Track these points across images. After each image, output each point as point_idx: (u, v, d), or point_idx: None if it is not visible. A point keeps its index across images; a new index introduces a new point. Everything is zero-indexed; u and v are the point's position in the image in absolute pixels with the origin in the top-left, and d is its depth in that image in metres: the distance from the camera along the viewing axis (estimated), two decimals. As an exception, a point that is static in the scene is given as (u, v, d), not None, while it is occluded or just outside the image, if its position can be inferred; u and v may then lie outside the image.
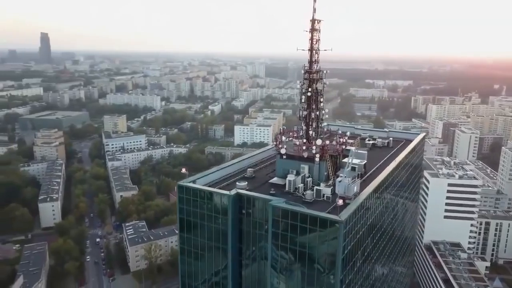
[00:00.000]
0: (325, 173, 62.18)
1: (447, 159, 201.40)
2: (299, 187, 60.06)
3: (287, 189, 61.08)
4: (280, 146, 63.36)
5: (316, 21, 61.50)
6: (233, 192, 55.75)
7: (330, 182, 61.61)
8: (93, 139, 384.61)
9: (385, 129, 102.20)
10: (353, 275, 55.26)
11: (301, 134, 64.58)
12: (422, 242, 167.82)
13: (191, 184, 58.67)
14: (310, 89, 63.68)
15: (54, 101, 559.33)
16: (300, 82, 65.54)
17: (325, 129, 71.04)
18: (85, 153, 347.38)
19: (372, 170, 69.52)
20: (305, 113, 64.95)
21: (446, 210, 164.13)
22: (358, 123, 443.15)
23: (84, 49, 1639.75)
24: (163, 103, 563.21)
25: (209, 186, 60.12)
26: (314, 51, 63.34)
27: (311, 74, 64.07)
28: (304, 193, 58.75)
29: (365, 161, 69.84)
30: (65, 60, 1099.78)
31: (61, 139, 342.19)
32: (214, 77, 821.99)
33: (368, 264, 62.98)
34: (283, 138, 64.71)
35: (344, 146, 66.33)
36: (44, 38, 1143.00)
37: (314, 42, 62.78)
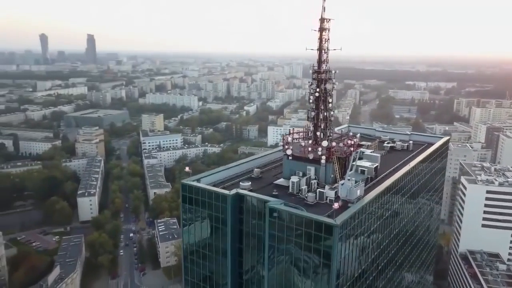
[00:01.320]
0: (332, 176, 60.75)
1: (487, 165, 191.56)
2: (302, 189, 59.12)
3: (290, 190, 60.34)
4: (286, 147, 62.76)
5: (325, 20, 60.38)
6: (232, 192, 55.66)
7: (336, 185, 60.54)
8: (132, 137, 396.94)
9: (407, 132, 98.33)
10: (353, 281, 53.70)
11: (309, 135, 63.52)
12: (457, 251, 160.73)
13: (193, 183, 59.12)
14: (318, 90, 62.45)
15: (97, 100, 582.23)
16: (309, 82, 64.44)
17: (341, 131, 69.37)
18: (124, 150, 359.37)
19: (384, 174, 67.35)
20: (313, 114, 63.87)
21: (484, 219, 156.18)
22: (396, 125, 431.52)
23: (128, 50, 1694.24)
24: (200, 103, 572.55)
25: (213, 186, 60.31)
26: (323, 51, 62.09)
27: (320, 74, 62.80)
28: (306, 195, 57.82)
29: (377, 164, 67.77)
30: (109, 60, 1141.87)
31: (101, 136, 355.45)
32: (251, 78, 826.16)
33: (374, 271, 60.92)
34: (289, 139, 64.01)
35: (353, 148, 64.68)
36: (90, 40, 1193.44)
37: (323, 42, 61.54)
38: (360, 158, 69.19)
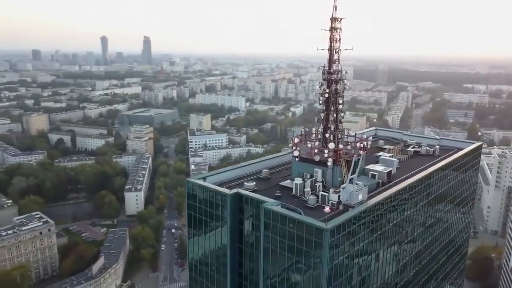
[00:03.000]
0: (339, 179, 58.97)
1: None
2: (305, 191, 58.07)
3: (293, 192, 59.42)
4: (294, 148, 61.91)
5: (336, 20, 59.03)
6: (232, 191, 55.58)
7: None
8: (180, 135, 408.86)
9: (437, 137, 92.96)
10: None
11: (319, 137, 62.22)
12: (509, 265, 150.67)
13: (197, 181, 59.79)
14: (328, 90, 60.99)
15: (150, 99, 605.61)
16: (319, 83, 63.15)
17: (357, 134, 67.06)
18: (172, 148, 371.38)
19: (399, 179, 64.16)
20: (322, 115, 62.49)
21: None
22: (450, 130, 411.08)
23: (181, 51, 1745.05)
24: (248, 104, 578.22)
25: (219, 185, 60.60)
26: (333, 51, 60.59)
27: (330, 75, 61.28)
28: (308, 197, 56.66)
29: (390, 169, 64.97)
30: (163, 61, 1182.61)
31: (151, 134, 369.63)
32: (300, 79, 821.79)
33: (376, 282, 58.42)
34: (296, 140, 63.07)
35: (363, 151, 62.42)
36: (147, 41, 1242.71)
37: (335, 41, 60.08)
38: (376, 162, 66.74)
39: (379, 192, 58.34)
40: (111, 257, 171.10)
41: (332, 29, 59.61)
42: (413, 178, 63.72)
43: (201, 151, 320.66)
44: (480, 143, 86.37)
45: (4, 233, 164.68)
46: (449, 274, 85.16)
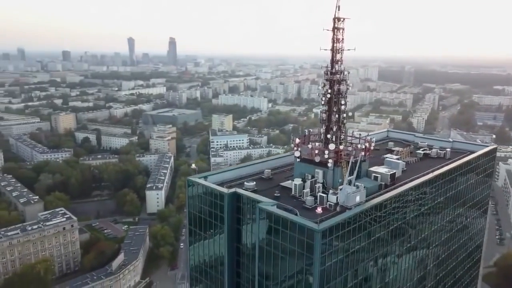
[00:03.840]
0: (340, 180, 58.13)
1: None
2: (304, 192, 57.60)
3: (293, 193, 59.05)
4: (295, 148, 61.56)
5: (338, 20, 58.37)
6: (230, 190, 55.56)
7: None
8: (202, 135, 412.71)
9: (450, 139, 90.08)
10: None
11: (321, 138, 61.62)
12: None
13: (197, 179, 60.06)
14: (330, 91, 60.38)
15: (174, 99, 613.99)
16: (322, 83, 62.57)
17: (359, 134, 65.97)
18: (194, 148, 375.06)
19: (403, 181, 62.53)
20: (324, 116, 61.88)
21: None
22: (477, 133, 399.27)
23: (206, 52, 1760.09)
24: (270, 104, 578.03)
25: (220, 184, 60.69)
26: (336, 51, 59.93)
27: (332, 75, 60.67)
28: (305, 198, 56.07)
29: (394, 171, 63.57)
30: (188, 62, 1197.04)
31: (174, 134, 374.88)
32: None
33: (375, 285, 57.13)
34: (297, 140, 62.61)
35: (365, 153, 61.23)
36: (172, 43, 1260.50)
37: (337, 41, 59.39)
38: (382, 164, 65.57)
39: (380, 195, 57.36)
40: (131, 254, 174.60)
41: (335, 29, 59.08)
42: (416, 181, 62.29)
43: (222, 151, 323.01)
44: (494, 146, 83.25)
45: (29, 228, 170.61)
46: (459, 281, 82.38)
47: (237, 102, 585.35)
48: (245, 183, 60.16)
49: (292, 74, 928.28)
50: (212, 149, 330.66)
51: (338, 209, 52.84)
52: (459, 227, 77.86)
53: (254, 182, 60.49)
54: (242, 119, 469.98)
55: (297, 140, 62.67)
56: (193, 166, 68.09)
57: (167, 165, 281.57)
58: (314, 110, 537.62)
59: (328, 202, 54.16)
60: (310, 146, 60.37)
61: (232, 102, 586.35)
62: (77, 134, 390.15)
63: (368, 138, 64.41)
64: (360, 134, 67.04)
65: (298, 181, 58.92)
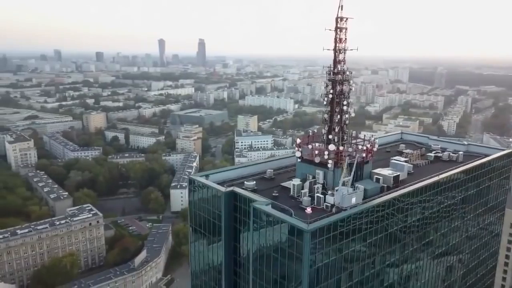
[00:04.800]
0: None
1: None
2: (302, 192, 57.28)
3: (291, 193, 58.81)
4: (297, 149, 61.26)
5: (341, 19, 57.82)
6: (228, 189, 55.74)
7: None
8: (227, 136, 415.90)
9: (464, 142, 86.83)
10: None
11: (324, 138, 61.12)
12: None
13: (198, 178, 60.60)
14: (332, 91, 59.76)
15: (201, 100, 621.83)
16: (324, 83, 62.07)
17: (364, 136, 64.94)
18: (219, 148, 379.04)
19: (407, 184, 60.89)
20: (326, 116, 61.25)
21: None
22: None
23: (235, 53, 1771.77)
24: (296, 105, 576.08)
25: (221, 183, 60.93)
26: (338, 51, 59.30)
27: (335, 75, 60.05)
28: (302, 199, 55.72)
29: (398, 173, 62.13)
30: (217, 63, 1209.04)
31: (200, 134, 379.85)
32: (352, 81, 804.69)
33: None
34: (298, 140, 62.26)
35: (368, 154, 59.95)
36: (201, 44, 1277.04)
37: (339, 41, 58.78)
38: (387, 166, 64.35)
39: (380, 197, 56.30)
40: (153, 251, 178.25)
41: (337, 28, 58.69)
42: (418, 184, 60.76)
43: (246, 151, 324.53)
44: (510, 150, 79.81)
45: (57, 223, 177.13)
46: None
47: (263, 103, 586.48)
48: (245, 182, 60.62)
49: (320, 75, 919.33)
50: (236, 149, 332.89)
51: (334, 210, 52.57)
52: (470, 233, 75.06)
53: (254, 182, 60.86)
54: (267, 120, 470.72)
55: (298, 141, 62.71)
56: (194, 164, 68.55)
57: (192, 165, 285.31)
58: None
59: (325, 203, 53.92)
60: (310, 146, 60.26)
61: (258, 103, 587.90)
62: (106, 133, 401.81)
63: (372, 139, 63.58)
64: (365, 135, 66.21)
65: (296, 181, 58.96)
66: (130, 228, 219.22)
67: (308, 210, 48.57)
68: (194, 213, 62.27)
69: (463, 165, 70.00)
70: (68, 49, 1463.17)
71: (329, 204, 53.29)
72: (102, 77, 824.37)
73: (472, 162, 71.76)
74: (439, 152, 78.27)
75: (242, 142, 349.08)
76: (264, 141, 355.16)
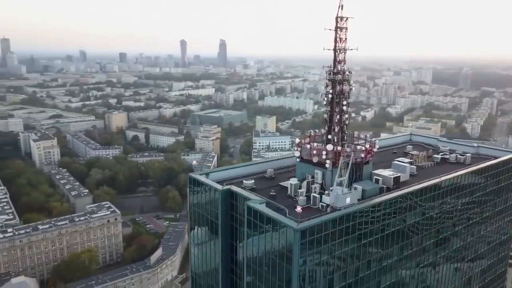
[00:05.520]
0: None
1: None
2: (298, 192, 57.21)
3: (288, 192, 58.79)
4: (296, 148, 61.24)
5: (341, 19, 57.51)
6: (224, 187, 56.03)
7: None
8: (246, 136, 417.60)
9: (474, 144, 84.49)
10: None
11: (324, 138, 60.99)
12: None
13: (198, 176, 61.12)
14: (331, 91, 59.47)
15: (221, 100, 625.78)
16: (325, 83, 61.91)
17: (365, 136, 64.38)
18: (237, 148, 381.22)
19: (408, 186, 59.90)
20: (326, 116, 60.97)
21: None
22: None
23: (256, 54, 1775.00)
24: (316, 106, 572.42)
25: (221, 182, 61.20)
26: (338, 51, 59.00)
27: (334, 75, 59.76)
28: (298, 198, 55.66)
29: (399, 175, 61.21)
30: (237, 64, 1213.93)
31: (218, 134, 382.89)
32: (373, 82, 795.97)
33: None
34: (297, 140, 62.32)
35: (367, 154, 59.22)
36: (222, 45, 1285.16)
37: (340, 41, 58.48)
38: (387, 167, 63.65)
39: (376, 198, 55.70)
40: (169, 249, 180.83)
41: (337, 28, 58.59)
42: (418, 185, 59.80)
43: (263, 152, 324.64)
44: None
45: (77, 219, 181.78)
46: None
47: (282, 104, 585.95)
48: (243, 181, 61.08)
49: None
50: (254, 150, 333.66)
51: (328, 210, 52.54)
52: (476, 237, 73.24)
53: (253, 181, 61.27)
54: (286, 121, 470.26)
55: (298, 140, 62.91)
56: (194, 163, 69.81)
57: (210, 164, 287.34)
58: (362, 113, 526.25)
59: (321, 203, 53.95)
60: (308, 146, 60.41)
61: (277, 104, 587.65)
62: (127, 132, 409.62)
63: (373, 140, 63.17)
64: (366, 136, 65.82)
65: (294, 180, 59.13)
66: (148, 226, 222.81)
67: (298, 209, 48.83)
68: (193, 211, 63.17)
69: (469, 167, 68.61)
70: (93, 50, 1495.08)
71: (324, 204, 53.33)
72: (125, 77, 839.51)
73: (479, 164, 70.20)
74: (446, 154, 76.85)
75: (259, 143, 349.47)
76: (282, 141, 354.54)
